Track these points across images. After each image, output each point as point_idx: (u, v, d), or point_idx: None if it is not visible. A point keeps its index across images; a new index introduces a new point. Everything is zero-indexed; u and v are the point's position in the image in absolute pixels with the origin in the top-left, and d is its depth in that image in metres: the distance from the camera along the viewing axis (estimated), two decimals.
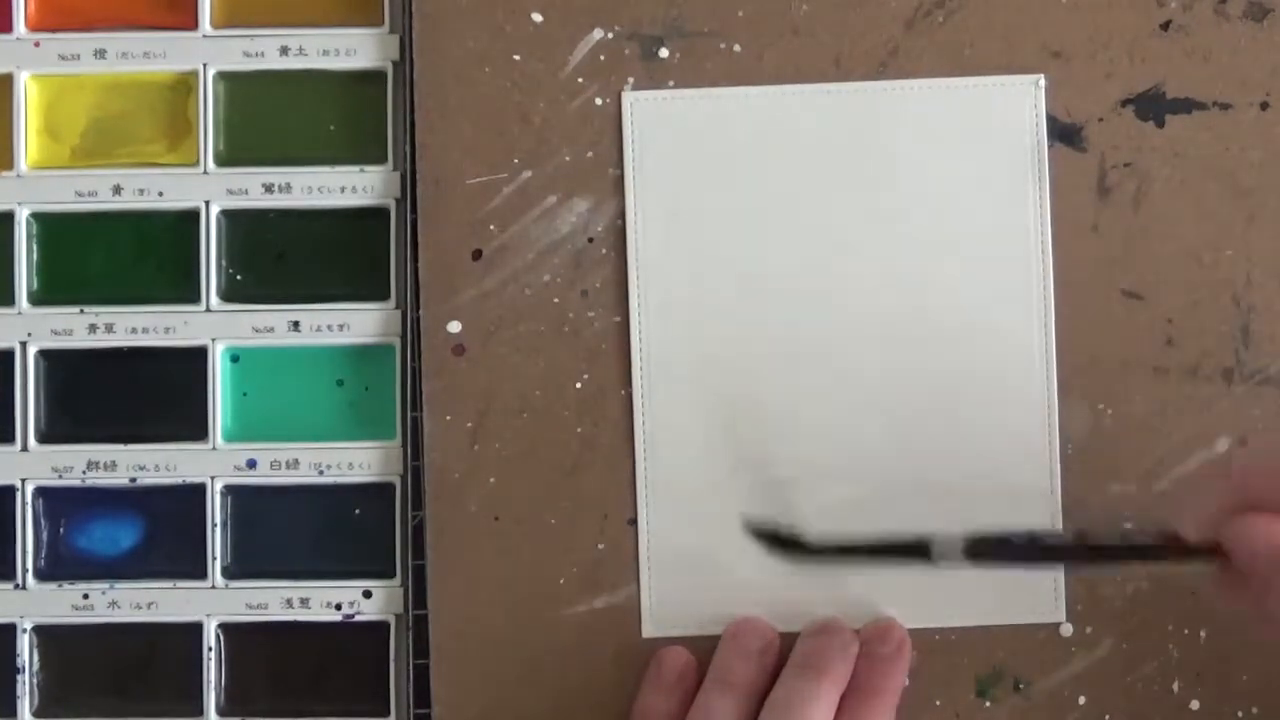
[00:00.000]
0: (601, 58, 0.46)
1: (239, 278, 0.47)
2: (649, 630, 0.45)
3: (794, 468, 0.45)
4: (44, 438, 0.47)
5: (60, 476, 0.47)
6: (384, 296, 0.47)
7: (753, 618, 0.45)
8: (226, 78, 0.47)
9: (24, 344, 0.47)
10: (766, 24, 0.46)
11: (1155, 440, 0.45)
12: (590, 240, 0.46)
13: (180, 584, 0.47)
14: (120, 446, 0.47)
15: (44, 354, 0.47)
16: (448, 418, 0.46)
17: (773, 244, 0.45)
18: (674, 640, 0.45)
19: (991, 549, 0.38)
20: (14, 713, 0.47)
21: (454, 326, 0.46)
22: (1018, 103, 0.45)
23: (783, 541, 0.41)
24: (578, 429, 0.46)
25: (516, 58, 0.46)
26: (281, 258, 0.47)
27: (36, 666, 0.47)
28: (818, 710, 0.42)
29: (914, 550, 0.39)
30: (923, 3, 0.46)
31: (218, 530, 0.47)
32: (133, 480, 0.47)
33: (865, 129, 0.45)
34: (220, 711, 0.47)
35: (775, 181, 0.45)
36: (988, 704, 0.45)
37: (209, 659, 0.46)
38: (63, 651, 0.47)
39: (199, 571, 0.47)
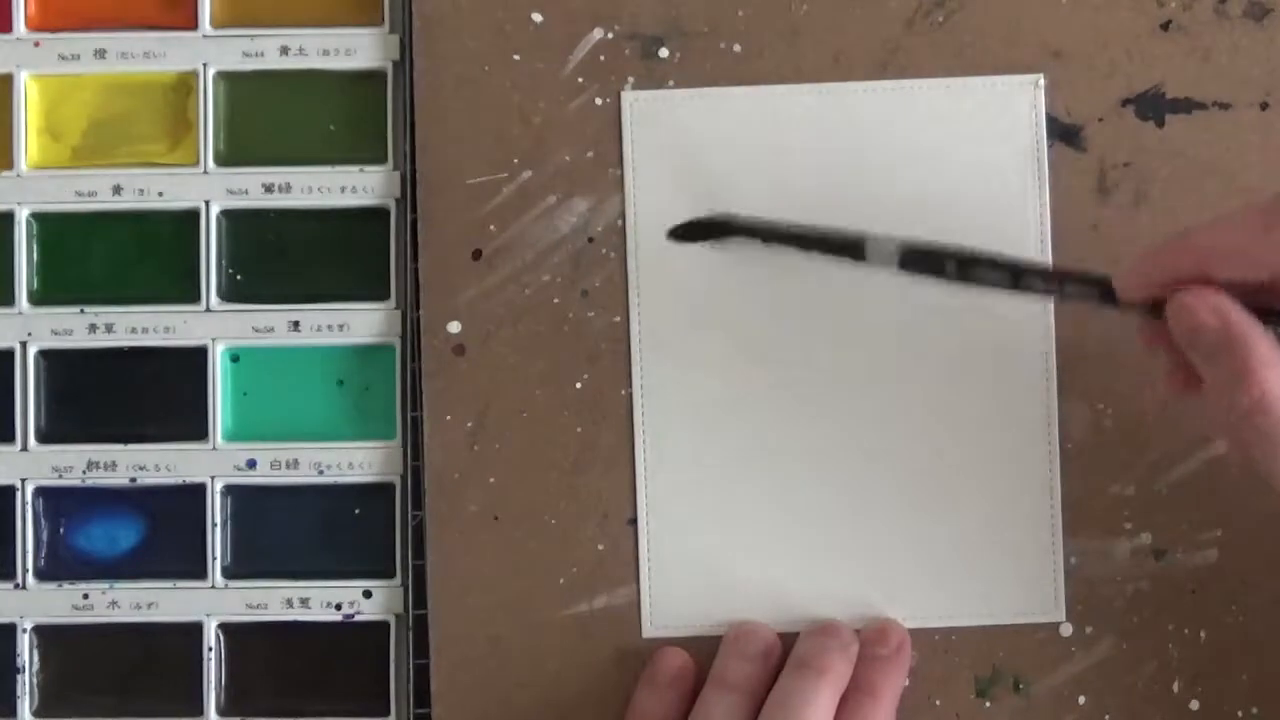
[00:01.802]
0: (601, 58, 0.46)
1: (239, 278, 0.47)
2: (649, 630, 0.45)
3: (793, 462, 0.45)
4: (44, 438, 0.47)
5: (60, 476, 0.47)
6: (384, 296, 0.47)
7: (753, 622, 0.45)
8: (226, 78, 0.47)
9: (24, 344, 0.47)
10: (766, 24, 0.46)
11: (1155, 440, 0.45)
12: (590, 240, 0.46)
13: (180, 584, 0.47)
14: (120, 446, 0.47)
15: (44, 354, 0.47)
16: (448, 418, 0.46)
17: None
18: (674, 640, 0.45)
19: (924, 259, 0.38)
20: (14, 713, 0.47)
21: (454, 326, 0.46)
22: (1018, 102, 0.45)
23: (710, 226, 0.40)
24: (578, 429, 0.46)
25: (516, 58, 0.46)
26: (281, 258, 0.47)
27: (36, 666, 0.47)
28: (817, 710, 0.42)
29: (848, 247, 0.38)
30: (923, 3, 0.46)
31: (218, 530, 0.47)
32: (133, 480, 0.47)
33: (865, 129, 0.45)
34: (220, 711, 0.47)
35: (775, 181, 0.45)
36: (988, 704, 0.45)
37: (209, 659, 0.46)
38: (63, 651, 0.47)
39: (199, 571, 0.47)
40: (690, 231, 0.44)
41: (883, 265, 0.38)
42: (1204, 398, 0.37)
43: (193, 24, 0.47)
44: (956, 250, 0.38)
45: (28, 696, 0.47)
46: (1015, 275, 0.38)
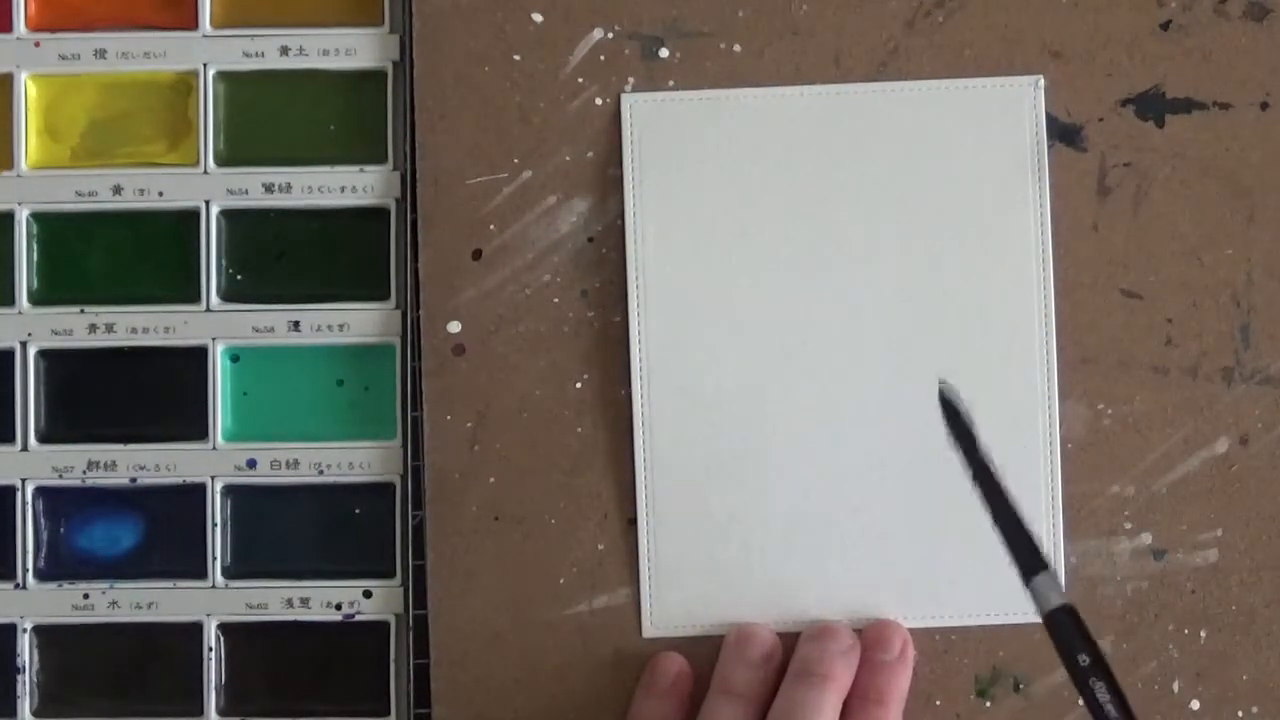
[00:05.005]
0: (601, 58, 0.46)
1: (239, 278, 0.47)
2: (649, 630, 0.45)
3: (794, 462, 0.45)
4: (44, 438, 0.47)
5: (60, 476, 0.47)
6: (384, 296, 0.47)
7: (754, 625, 0.44)
8: (226, 78, 0.47)
9: (24, 344, 0.47)
10: (766, 24, 0.46)
11: (1155, 440, 0.45)
12: (590, 240, 0.46)
13: (180, 584, 0.47)
14: (120, 446, 0.47)
15: (44, 354, 0.47)
16: (448, 418, 0.46)
17: (772, 244, 0.45)
18: (674, 641, 0.45)
19: (1074, 626, 0.38)
20: (14, 713, 0.47)
21: (454, 326, 0.46)
22: (1017, 103, 0.45)
23: (959, 425, 0.39)
24: (578, 429, 0.46)
25: (516, 58, 0.46)
26: (281, 258, 0.47)
27: (36, 666, 0.47)
28: (823, 719, 0.42)
29: (1026, 556, 0.38)
30: (923, 3, 0.46)
31: (218, 530, 0.47)
32: (133, 480, 0.47)
33: (865, 129, 0.45)
34: (220, 711, 0.47)
35: (775, 181, 0.45)
36: (988, 704, 0.45)
37: (209, 659, 0.46)
38: (63, 651, 0.47)
39: (199, 571, 0.47)
40: (947, 405, 0.43)
41: (1036, 602, 0.38)
42: None
43: (193, 24, 0.47)
44: (1091, 660, 0.37)
45: (28, 696, 0.47)
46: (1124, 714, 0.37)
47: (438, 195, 0.46)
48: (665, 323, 0.45)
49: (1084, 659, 0.37)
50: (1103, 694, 0.37)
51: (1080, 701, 0.37)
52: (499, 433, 0.46)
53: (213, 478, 0.47)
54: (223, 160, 0.47)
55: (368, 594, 0.46)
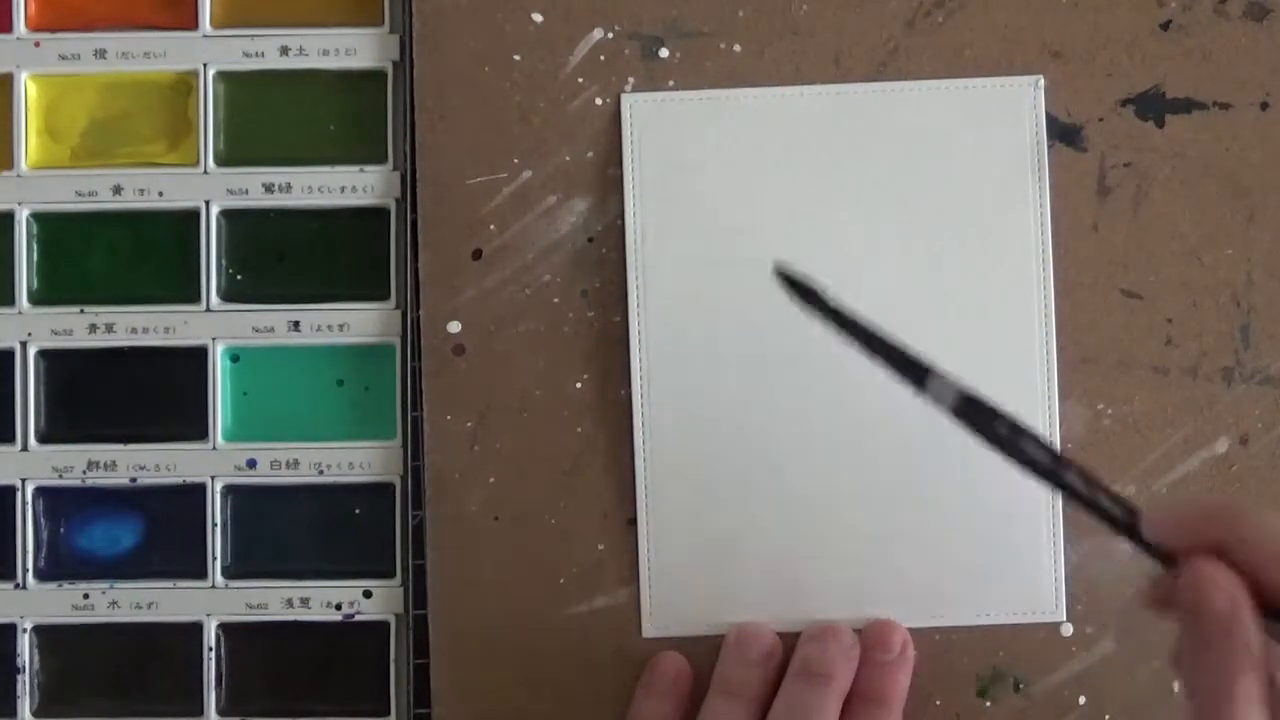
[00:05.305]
0: (601, 58, 0.46)
1: (239, 278, 0.47)
2: (649, 630, 0.45)
3: (793, 462, 0.45)
4: (44, 438, 0.47)
5: (60, 476, 0.47)
6: (384, 296, 0.47)
7: (754, 624, 0.44)
8: (226, 78, 0.47)
9: (24, 344, 0.47)
10: (766, 24, 0.46)
11: (1155, 440, 0.45)
12: (590, 240, 0.46)
13: (180, 584, 0.47)
14: (120, 446, 0.47)
15: (44, 354, 0.47)
16: (448, 417, 0.46)
17: (772, 243, 0.45)
18: (674, 640, 0.45)
19: (977, 418, 0.37)
20: (14, 713, 0.47)
21: (454, 326, 0.46)
22: (1017, 103, 0.45)
23: (801, 289, 0.40)
24: (578, 429, 0.46)
25: (516, 58, 0.46)
26: (281, 258, 0.47)
27: (36, 666, 0.47)
28: (822, 719, 0.42)
29: (911, 369, 0.37)
30: (923, 3, 0.46)
31: (218, 530, 0.47)
32: (133, 480, 0.47)
33: (865, 129, 0.45)
34: (220, 711, 0.47)
35: (775, 182, 0.45)
36: (988, 704, 0.45)
37: (209, 659, 0.46)
38: (63, 651, 0.47)
39: (199, 571, 0.47)
40: (787, 282, 0.42)
41: (937, 404, 0.37)
42: (1182, 672, 0.35)
43: (193, 24, 0.47)
44: (1010, 418, 0.37)
45: (28, 696, 0.47)
46: (1054, 462, 0.37)
47: (438, 195, 0.46)
48: (665, 323, 0.45)
49: (1002, 428, 0.37)
50: (1031, 448, 0.36)
51: (1020, 466, 0.37)
52: (499, 433, 0.46)
53: (213, 478, 0.47)
54: (223, 160, 0.47)
55: (368, 594, 0.46)
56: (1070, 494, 0.36)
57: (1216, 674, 0.33)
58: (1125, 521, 0.36)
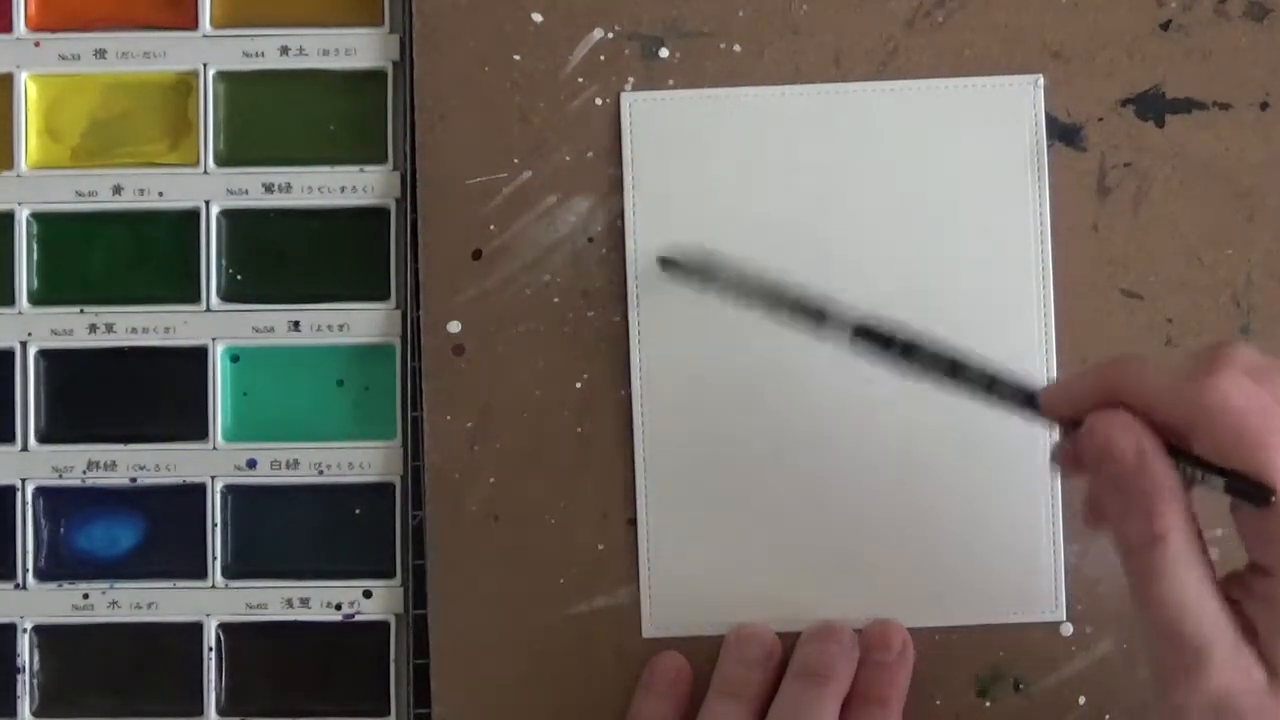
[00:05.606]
0: (601, 58, 0.46)
1: (239, 278, 0.47)
2: (649, 630, 0.45)
3: (794, 462, 0.45)
4: (44, 438, 0.47)
5: (60, 476, 0.47)
6: (384, 296, 0.47)
7: (754, 624, 0.44)
8: (226, 78, 0.47)
9: (24, 344, 0.47)
10: (766, 24, 0.46)
11: None
12: (590, 240, 0.46)
13: (180, 584, 0.47)
14: (120, 446, 0.47)
15: (44, 354, 0.47)
16: (448, 418, 0.46)
17: (772, 243, 0.45)
18: (674, 640, 0.45)
19: (873, 338, 0.39)
20: (14, 713, 0.47)
21: (454, 326, 0.46)
22: (1017, 103, 0.45)
23: (687, 268, 0.41)
24: (578, 429, 0.46)
25: (516, 58, 0.46)
26: (281, 258, 0.47)
27: (36, 666, 0.47)
28: (822, 719, 0.42)
29: (809, 312, 0.40)
30: (923, 3, 0.46)
31: (218, 530, 0.47)
32: (133, 480, 0.47)
33: (865, 129, 0.45)
34: (220, 711, 0.47)
35: (775, 181, 0.45)
36: (988, 704, 0.45)
37: (209, 659, 0.46)
38: (63, 651, 0.47)
39: (199, 571, 0.47)
40: (670, 266, 0.44)
41: (838, 337, 0.39)
42: (1107, 525, 0.36)
43: (193, 24, 0.47)
44: (903, 335, 0.39)
45: (28, 696, 0.47)
46: (952, 368, 0.38)
47: (437, 195, 0.46)
48: (665, 323, 0.45)
49: (900, 343, 0.39)
50: (928, 357, 0.39)
51: (923, 378, 0.39)
52: (499, 433, 0.46)
53: (213, 478, 0.47)
54: (223, 160, 0.47)
55: (368, 594, 0.46)
56: (974, 390, 0.38)
57: (1140, 511, 0.34)
58: (1029, 402, 0.37)
